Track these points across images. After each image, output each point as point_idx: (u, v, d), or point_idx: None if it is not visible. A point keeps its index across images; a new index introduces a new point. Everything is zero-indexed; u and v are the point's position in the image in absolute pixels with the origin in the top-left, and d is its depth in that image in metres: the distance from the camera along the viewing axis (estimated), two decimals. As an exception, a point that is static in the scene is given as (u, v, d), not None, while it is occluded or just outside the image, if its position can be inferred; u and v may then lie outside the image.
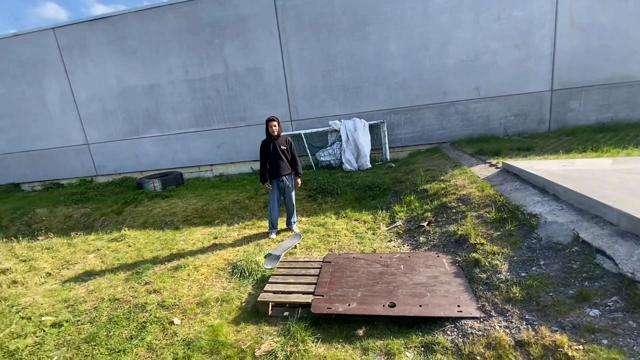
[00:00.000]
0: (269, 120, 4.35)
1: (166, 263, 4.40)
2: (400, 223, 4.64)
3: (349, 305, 2.79)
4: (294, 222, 4.89)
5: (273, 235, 4.70)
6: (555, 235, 2.85)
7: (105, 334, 2.98)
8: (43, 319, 3.32)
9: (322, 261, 3.63)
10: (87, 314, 3.37)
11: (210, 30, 7.81)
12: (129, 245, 5.23)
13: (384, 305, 2.74)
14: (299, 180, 4.70)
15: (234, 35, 7.77)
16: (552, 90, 7.24)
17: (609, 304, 2.09)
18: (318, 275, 3.32)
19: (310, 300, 2.92)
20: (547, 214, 3.14)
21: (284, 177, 4.54)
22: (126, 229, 5.79)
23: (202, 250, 4.68)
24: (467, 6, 7.00)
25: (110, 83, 8.49)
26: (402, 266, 3.31)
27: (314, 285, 3.16)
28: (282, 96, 8.02)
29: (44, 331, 3.12)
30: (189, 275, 3.99)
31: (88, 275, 4.33)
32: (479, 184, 4.47)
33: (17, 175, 9.73)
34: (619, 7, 6.57)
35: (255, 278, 3.74)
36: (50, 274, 4.47)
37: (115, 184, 8.40)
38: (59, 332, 3.10)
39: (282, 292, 3.12)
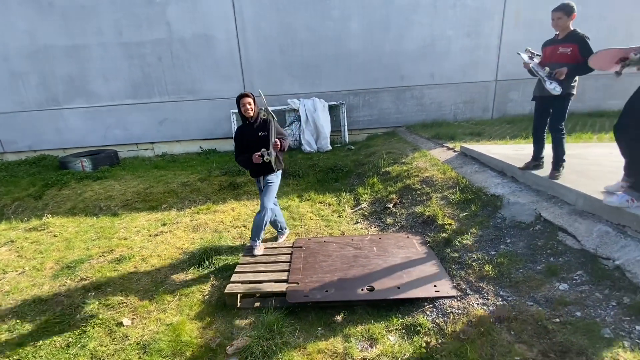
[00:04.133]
0: (240, 97, 3.12)
1: (105, 254, 3.80)
2: (365, 205, 4.61)
3: (326, 291, 2.65)
4: (258, 240, 3.36)
5: (257, 251, 3.34)
6: (518, 215, 3.02)
7: (31, 343, 2.44)
8: (-62, 331, 2.61)
9: (292, 246, 3.43)
10: (3, 320, 2.73)
11: (150, -15, 6.76)
12: (55, 235, 4.42)
13: (362, 290, 2.65)
14: (278, 142, 3.11)
15: (179, -5, 6.84)
16: (497, 80, 7.77)
17: (575, 277, 2.24)
18: (290, 262, 3.12)
19: (284, 289, 2.71)
20: (509, 195, 3.32)
21: (260, 177, 3.34)
22: (49, 215, 4.89)
23: (149, 239, 4.15)
24: (427, -10, 7.06)
25: (19, 40, 6.94)
26: (374, 248, 3.26)
27: (286, 273, 2.95)
28: (235, 69, 7.37)
29: (-59, 347, 2.45)
30: (136, 267, 3.48)
31: (1, 272, 3.54)
32: (440, 166, 4.60)
33: None
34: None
35: (217, 267, 3.40)
36: (-56, 274, 3.56)
37: (29, 163, 7.05)
38: (-36, 346, 2.46)
39: (252, 282, 2.86)
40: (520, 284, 2.39)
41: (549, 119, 3.09)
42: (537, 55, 3.07)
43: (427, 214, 3.65)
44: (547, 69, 2.87)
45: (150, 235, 4.24)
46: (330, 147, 7.13)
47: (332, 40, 7.29)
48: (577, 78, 2.90)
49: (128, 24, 6.95)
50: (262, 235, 3.41)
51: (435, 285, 2.64)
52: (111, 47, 7.08)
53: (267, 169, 3.26)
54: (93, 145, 7.63)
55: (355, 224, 4.23)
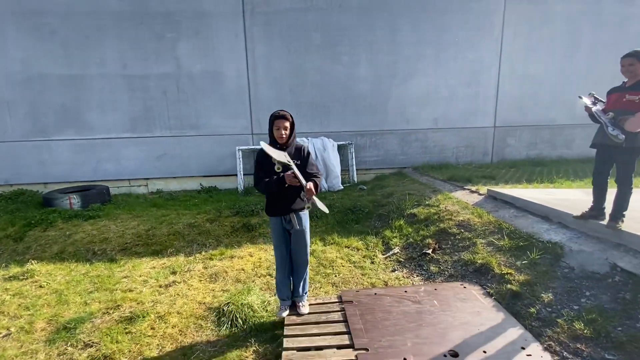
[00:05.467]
0: (275, 117, 2.60)
1: (110, 311, 3.19)
2: (398, 250, 4.32)
3: (405, 359, 2.26)
4: (305, 294, 2.96)
5: (284, 314, 2.84)
6: (588, 265, 2.86)
7: None
8: None
9: (341, 301, 3.03)
10: (-15, 411, 2.08)
11: (162, 21, 6.68)
12: (41, 286, 3.73)
13: (445, 356, 2.29)
14: (310, 185, 2.51)
15: (191, 33, 6.79)
16: (495, 126, 8.14)
17: (691, 338, 2.04)
18: (346, 321, 2.71)
19: (354, 357, 2.29)
20: (567, 242, 3.19)
21: (292, 214, 2.70)
22: (33, 262, 4.17)
23: (160, 291, 3.58)
24: (430, 42, 7.50)
25: (10, 66, 6.47)
26: (435, 302, 2.94)
27: (347, 336, 2.53)
28: (243, 106, 7.23)
29: None
30: (153, 329, 2.91)
31: (-25, 339, 2.83)
32: (472, 210, 4.49)
33: None
34: (546, 61, 7.86)
35: (252, 327, 2.91)
36: None
37: (5, 199, 6.23)
38: None
39: (310, 349, 2.41)
40: (626, 345, 2.15)
41: (617, 172, 2.97)
42: (601, 101, 3.10)
43: (479, 261, 3.42)
44: (611, 114, 2.87)
45: (160, 287, 3.67)
46: (342, 187, 6.94)
47: (341, 82, 7.43)
48: None
49: (134, 56, 6.73)
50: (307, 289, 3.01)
51: (523, 348, 2.33)
52: (113, 78, 6.77)
53: (298, 203, 2.67)
54: (80, 180, 6.95)
55: (393, 271, 3.91)
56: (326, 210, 2.71)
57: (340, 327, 2.64)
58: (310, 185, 2.51)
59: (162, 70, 6.87)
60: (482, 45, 7.67)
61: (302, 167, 2.67)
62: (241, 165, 7.08)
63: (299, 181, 2.49)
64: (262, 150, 2.75)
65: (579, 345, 2.27)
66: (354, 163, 7.50)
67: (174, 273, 3.97)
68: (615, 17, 7.98)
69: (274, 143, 2.68)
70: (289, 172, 2.49)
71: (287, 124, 2.63)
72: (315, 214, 5.50)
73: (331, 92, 7.44)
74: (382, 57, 7.44)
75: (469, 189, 5.34)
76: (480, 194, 5.01)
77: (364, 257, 4.26)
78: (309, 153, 2.76)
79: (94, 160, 7.01)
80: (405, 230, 4.66)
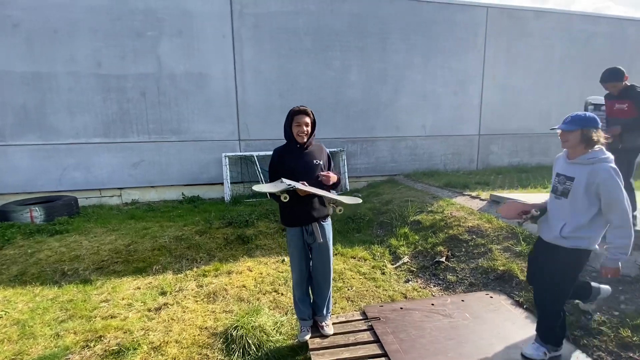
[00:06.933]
0: (295, 113, 2.33)
1: (91, 344, 2.68)
2: (407, 259, 4.12)
3: (456, 383, 2.01)
4: (329, 313, 2.64)
5: (306, 336, 2.49)
6: (616, 268, 2.78)
7: None
8: None
9: (366, 318, 2.74)
10: None
11: (142, 18, 6.18)
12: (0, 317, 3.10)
13: (498, 376, 2.07)
14: (331, 175, 2.40)
15: (174, 31, 6.34)
16: (480, 134, 8.33)
17: None
18: (378, 341, 2.42)
19: (400, 384, 2.01)
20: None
21: (314, 225, 2.40)
22: (-14, 287, 3.50)
23: (150, 316, 3.09)
24: (419, 51, 7.58)
25: (-42, 61, 5.66)
26: (466, 314, 2.73)
27: (384, 358, 2.25)
28: (230, 110, 6.82)
29: None
30: (149, 362, 2.45)
31: None
32: (479, 215, 4.40)
33: None
34: (525, 73, 8.21)
35: (267, 353, 2.53)
36: None
37: (-53, 213, 5.33)
38: None
39: (346, 376, 2.10)
40: (681, 354, 2.04)
41: None
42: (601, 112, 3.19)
43: (500, 268, 3.29)
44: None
45: (149, 311, 3.18)
46: (337, 194, 6.68)
47: (332, 88, 7.27)
48: None
49: (110, 54, 6.15)
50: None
51: (573, 361, 2.17)
52: (84, 77, 6.12)
53: (321, 211, 2.44)
54: (42, 191, 6.14)
55: (406, 282, 3.69)
56: (359, 201, 2.68)
57: (374, 349, 2.34)
58: (328, 173, 2.40)
59: (141, 70, 6.33)
60: (467, 55, 7.88)
61: (326, 167, 2.53)
62: (228, 173, 6.63)
63: (313, 193, 2.25)
64: (275, 154, 2.52)
65: (631, 354, 2.14)
66: (346, 170, 7.30)
67: (163, 294, 3.48)
68: (583, 34, 8.54)
69: (292, 142, 2.43)
70: (300, 188, 2.21)
71: (308, 120, 2.40)
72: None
73: (322, 98, 7.24)
74: (373, 63, 7.39)
75: (469, 195, 5.29)
76: (482, 200, 4.96)
77: (372, 267, 4.01)
78: (329, 156, 2.63)
79: (59, 168, 6.25)
80: (412, 238, 4.48)
